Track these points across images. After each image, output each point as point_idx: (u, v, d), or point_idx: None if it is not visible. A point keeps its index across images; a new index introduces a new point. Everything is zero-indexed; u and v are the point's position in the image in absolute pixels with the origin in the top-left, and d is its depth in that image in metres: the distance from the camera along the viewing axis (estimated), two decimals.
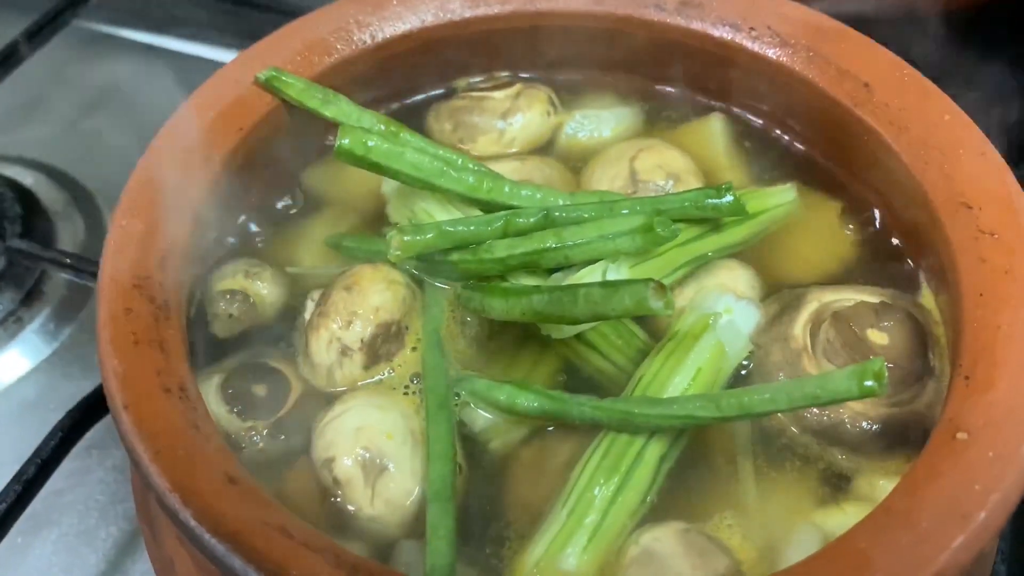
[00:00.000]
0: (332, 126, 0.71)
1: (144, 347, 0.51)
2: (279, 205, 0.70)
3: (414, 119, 0.76)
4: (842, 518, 0.55)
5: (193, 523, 0.44)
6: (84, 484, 0.82)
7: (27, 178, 1.04)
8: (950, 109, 0.62)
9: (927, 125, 0.62)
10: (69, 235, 0.99)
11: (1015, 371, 0.50)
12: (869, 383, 0.48)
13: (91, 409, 0.77)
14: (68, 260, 0.86)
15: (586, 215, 0.63)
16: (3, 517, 0.68)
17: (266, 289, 0.65)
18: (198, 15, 1.21)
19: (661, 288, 0.52)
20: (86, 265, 0.87)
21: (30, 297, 0.93)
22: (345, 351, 0.59)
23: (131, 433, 0.47)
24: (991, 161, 0.59)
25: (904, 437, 0.57)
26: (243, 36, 1.17)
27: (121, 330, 0.51)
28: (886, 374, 0.48)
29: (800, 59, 0.67)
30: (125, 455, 0.82)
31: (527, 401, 0.57)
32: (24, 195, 0.99)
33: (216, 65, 1.21)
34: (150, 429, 0.48)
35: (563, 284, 0.58)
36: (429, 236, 0.61)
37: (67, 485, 0.81)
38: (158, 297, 0.54)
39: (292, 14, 1.12)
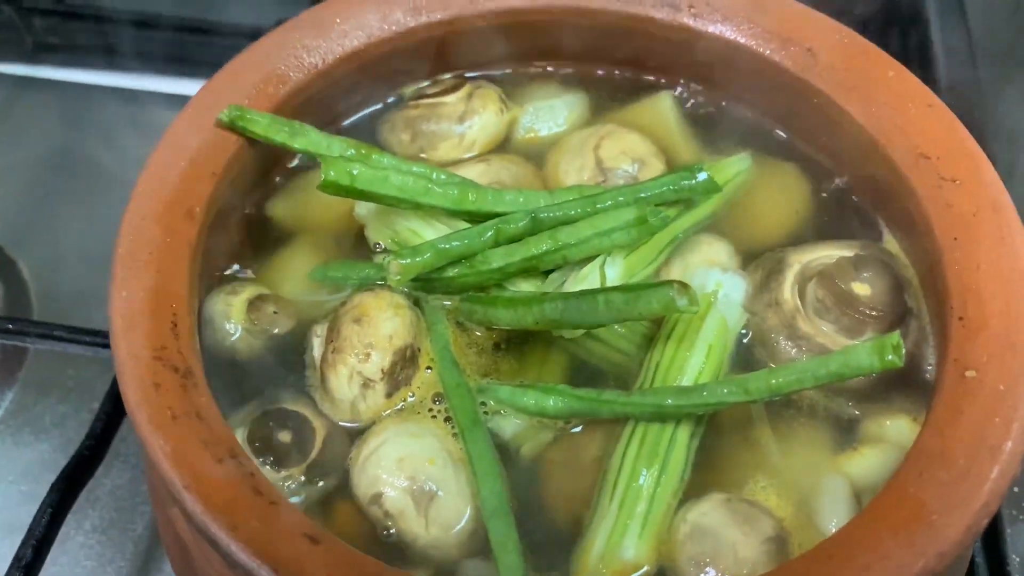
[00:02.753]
0: (290, 153, 0.71)
1: (183, 421, 0.50)
2: (258, 241, 0.68)
3: (366, 133, 0.75)
4: (862, 460, 0.60)
5: None
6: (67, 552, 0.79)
7: None
8: (892, 65, 0.66)
9: (873, 83, 0.66)
10: None
11: (1002, 306, 0.55)
12: (890, 357, 0.52)
13: (73, 479, 0.74)
14: None
15: (572, 212, 0.64)
16: None
17: (264, 327, 0.64)
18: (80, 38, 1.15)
19: (684, 287, 0.54)
20: (18, 325, 0.83)
21: None
22: (367, 383, 0.59)
23: (200, 513, 0.46)
24: (939, 111, 0.64)
25: (901, 377, 0.61)
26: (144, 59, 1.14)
27: (156, 408, 0.50)
28: (903, 346, 0.52)
29: (742, 31, 0.70)
30: (104, 514, 0.82)
31: (556, 403, 0.59)
32: None
33: (122, 93, 1.15)
34: (218, 505, 0.47)
35: (577, 291, 0.59)
36: (427, 256, 0.62)
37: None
38: (180, 365, 0.53)
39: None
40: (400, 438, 0.58)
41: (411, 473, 0.56)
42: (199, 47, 1.13)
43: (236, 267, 0.67)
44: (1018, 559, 0.76)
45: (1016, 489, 0.80)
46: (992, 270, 0.56)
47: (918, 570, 0.46)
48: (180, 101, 1.14)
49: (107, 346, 0.79)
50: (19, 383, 0.91)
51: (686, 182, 0.65)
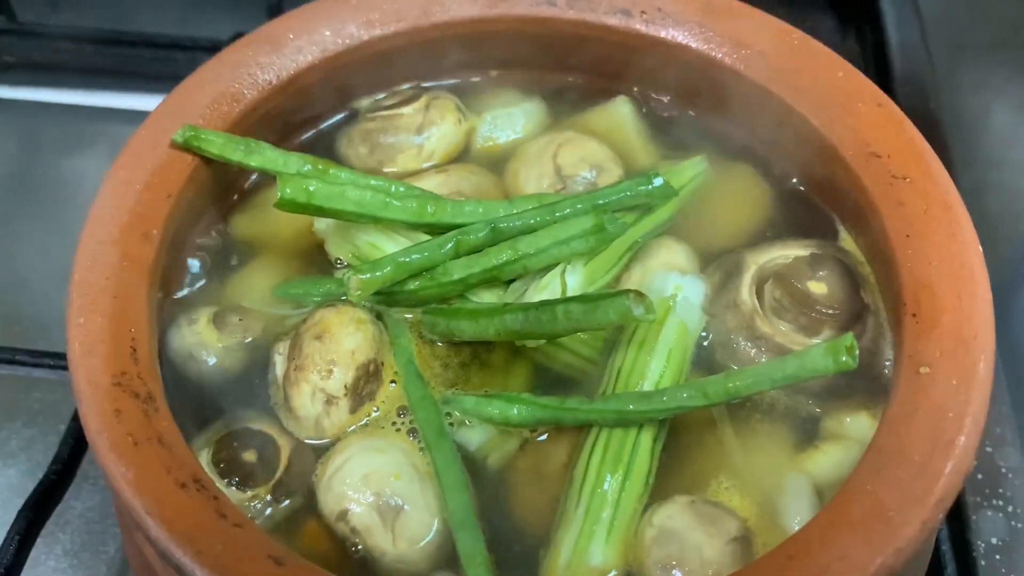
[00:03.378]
0: (247, 171, 0.70)
1: (145, 447, 0.50)
2: (217, 259, 0.68)
3: (323, 146, 0.75)
4: (823, 457, 0.61)
5: None
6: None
7: None
8: (842, 66, 0.67)
9: (823, 83, 0.67)
10: None
11: (954, 302, 0.56)
12: (844, 358, 0.53)
13: (40, 505, 0.73)
14: None
15: (531, 221, 0.64)
16: None
17: (223, 344, 0.64)
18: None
19: (640, 296, 0.55)
20: None
21: None
22: (330, 400, 0.59)
23: (163, 539, 0.46)
24: (889, 110, 0.65)
25: (860, 374, 0.62)
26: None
27: (117, 435, 0.50)
28: (856, 347, 0.53)
29: (694, 36, 0.71)
30: (74, 538, 0.82)
31: (520, 412, 0.59)
32: None
33: (79, 111, 1.14)
34: (181, 531, 0.47)
35: (537, 302, 0.60)
36: (387, 271, 0.62)
37: None
38: (140, 390, 0.53)
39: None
40: (365, 454, 0.58)
41: (377, 489, 0.56)
42: (156, 62, 1.12)
43: (196, 287, 0.66)
44: (983, 545, 0.77)
45: (980, 476, 0.81)
46: (943, 267, 0.57)
47: (876, 567, 0.46)
48: (138, 117, 1.12)
49: None
50: None
51: (643, 188, 0.66)
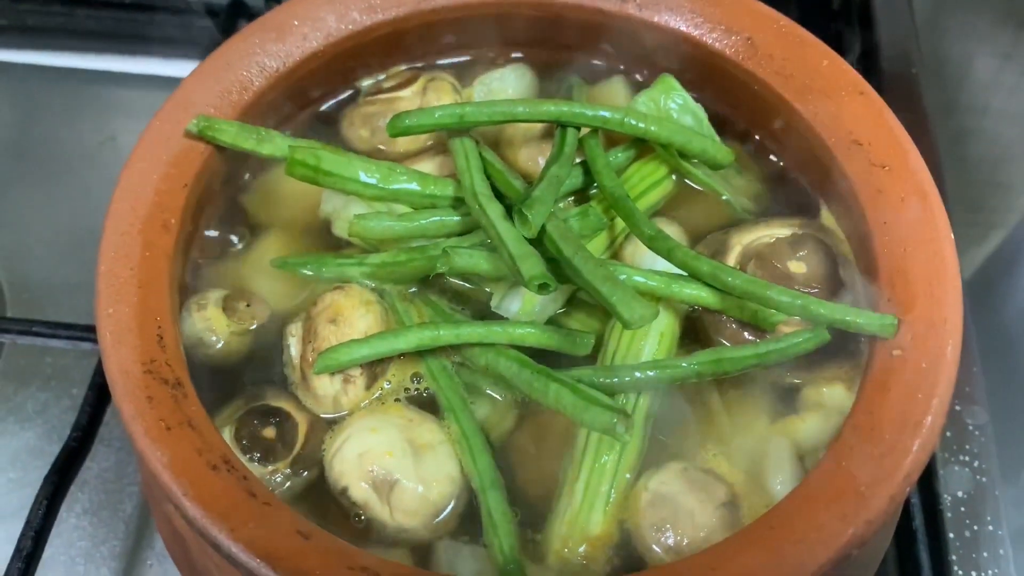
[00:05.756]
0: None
1: (177, 431, 0.54)
2: (231, 242, 0.71)
3: (325, 126, 0.78)
4: (802, 425, 0.65)
5: None
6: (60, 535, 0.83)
7: None
8: (827, 54, 0.70)
9: (809, 71, 0.70)
10: None
11: (926, 287, 0.60)
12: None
13: (64, 470, 0.77)
14: None
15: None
16: None
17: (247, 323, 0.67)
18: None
19: (626, 417, 0.58)
20: None
21: None
22: (348, 379, 0.63)
23: (200, 518, 0.51)
24: (870, 99, 0.68)
25: (836, 347, 0.66)
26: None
27: (151, 420, 0.54)
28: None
29: (686, 21, 0.73)
30: (93, 497, 0.86)
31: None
32: None
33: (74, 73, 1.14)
34: (216, 510, 0.51)
35: (538, 368, 0.61)
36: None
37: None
38: (169, 377, 0.56)
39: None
40: (360, 434, 0.61)
41: (370, 467, 0.60)
42: (150, 26, 1.13)
43: (206, 271, 0.69)
44: (949, 498, 0.82)
45: (948, 434, 0.87)
46: (917, 254, 0.61)
47: (848, 537, 0.51)
48: (131, 80, 1.16)
49: (85, 339, 0.83)
50: None
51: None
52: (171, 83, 1.11)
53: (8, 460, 0.89)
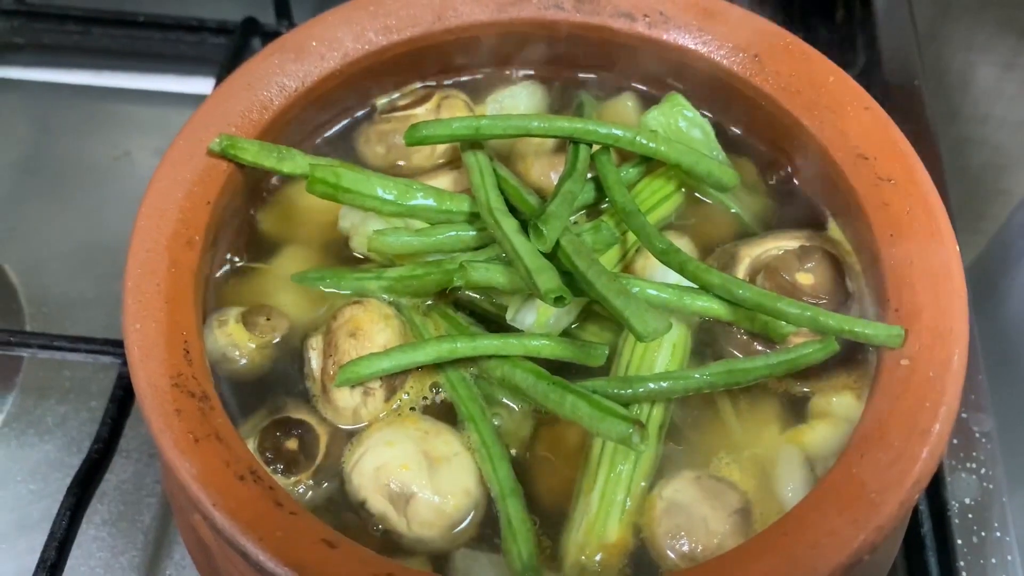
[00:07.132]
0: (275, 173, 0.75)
1: (204, 443, 0.55)
2: (252, 258, 0.73)
3: (342, 143, 0.80)
4: (813, 434, 0.66)
5: None
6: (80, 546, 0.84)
7: None
8: (832, 70, 0.72)
9: (815, 87, 0.71)
10: None
11: (932, 299, 0.62)
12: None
13: (86, 482, 0.79)
14: None
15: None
16: None
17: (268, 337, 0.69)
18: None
19: (642, 428, 0.58)
20: (19, 337, 0.88)
21: None
22: (367, 392, 0.65)
23: (228, 527, 0.52)
24: (876, 114, 0.69)
25: (844, 356, 0.68)
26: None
27: (179, 433, 0.55)
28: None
29: (694, 39, 0.75)
30: (112, 508, 0.87)
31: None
32: None
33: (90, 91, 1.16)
34: (244, 520, 0.52)
35: (555, 380, 0.62)
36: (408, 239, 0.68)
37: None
38: (196, 391, 0.58)
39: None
40: (377, 448, 0.63)
41: (386, 480, 0.61)
42: (164, 43, 1.15)
43: (227, 286, 0.71)
44: (957, 505, 0.84)
45: (955, 441, 0.88)
46: (924, 266, 0.63)
47: (859, 543, 0.53)
48: (147, 96, 1.18)
49: (106, 353, 0.85)
50: (18, 388, 0.95)
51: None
52: (185, 100, 1.16)
53: (28, 472, 0.90)
